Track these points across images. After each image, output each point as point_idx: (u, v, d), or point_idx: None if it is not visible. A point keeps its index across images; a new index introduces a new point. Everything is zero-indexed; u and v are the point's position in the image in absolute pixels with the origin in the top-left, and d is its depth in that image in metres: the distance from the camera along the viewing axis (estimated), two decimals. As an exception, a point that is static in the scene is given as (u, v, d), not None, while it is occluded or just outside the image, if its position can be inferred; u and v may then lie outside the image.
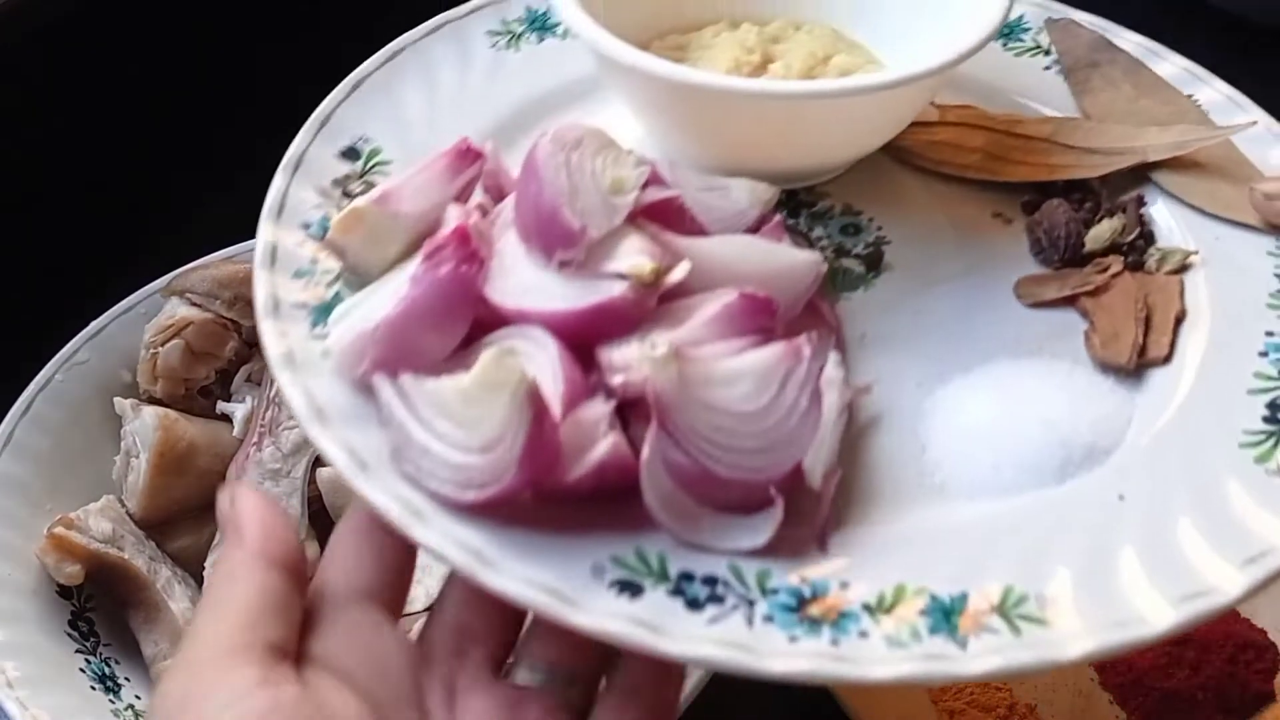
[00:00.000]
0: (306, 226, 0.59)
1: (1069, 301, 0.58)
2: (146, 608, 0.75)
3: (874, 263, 0.60)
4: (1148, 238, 0.60)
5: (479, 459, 0.45)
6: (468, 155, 0.56)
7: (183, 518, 0.80)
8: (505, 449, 0.45)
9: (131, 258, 0.56)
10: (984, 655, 0.42)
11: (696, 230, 0.55)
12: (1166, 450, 0.50)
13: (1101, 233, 0.59)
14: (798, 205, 0.63)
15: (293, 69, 0.65)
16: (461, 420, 0.46)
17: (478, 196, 0.56)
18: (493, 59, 0.69)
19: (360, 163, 0.62)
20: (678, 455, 0.45)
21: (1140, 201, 0.62)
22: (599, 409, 0.46)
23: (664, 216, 0.54)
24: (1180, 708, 0.69)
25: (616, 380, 0.47)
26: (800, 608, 0.44)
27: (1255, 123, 0.63)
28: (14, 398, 0.71)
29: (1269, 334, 0.55)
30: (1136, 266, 0.59)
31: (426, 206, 0.54)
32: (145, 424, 0.77)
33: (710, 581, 0.45)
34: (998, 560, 0.46)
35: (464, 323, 0.49)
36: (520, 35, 0.71)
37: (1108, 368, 0.55)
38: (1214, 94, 0.66)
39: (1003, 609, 0.44)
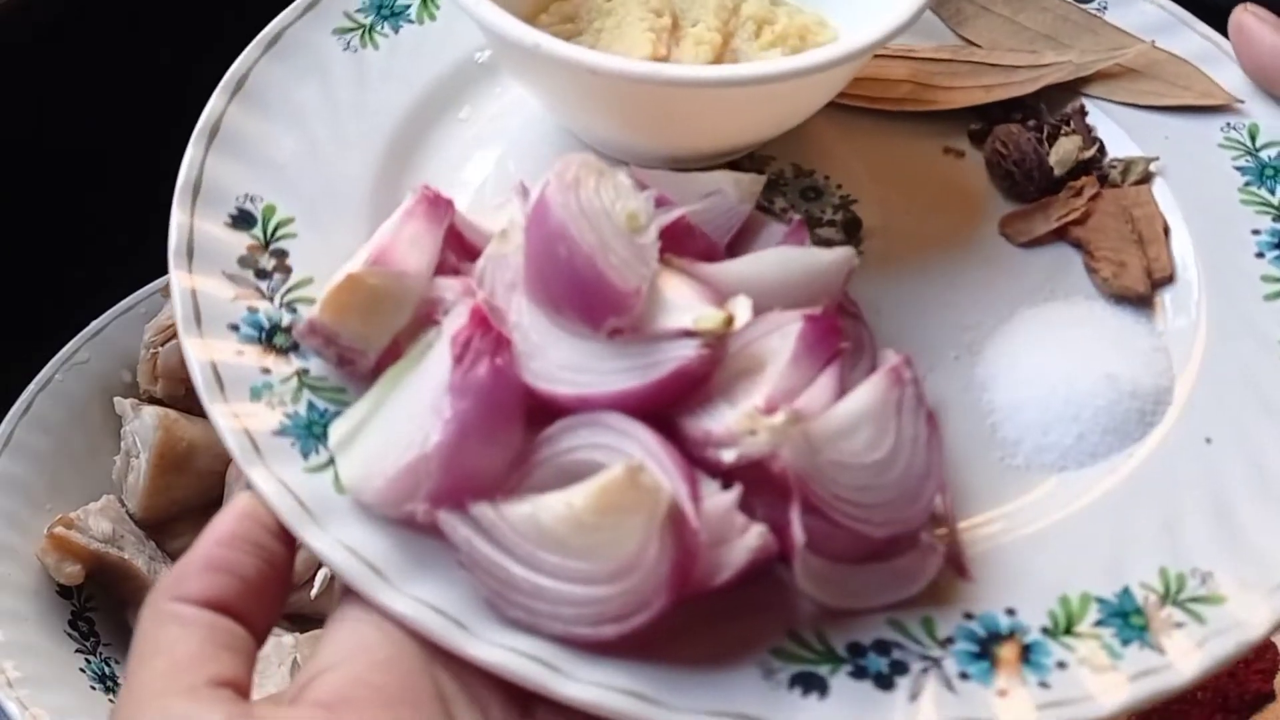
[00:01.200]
0: (235, 329, 0.48)
1: (1057, 234, 0.56)
2: (146, 608, 0.74)
3: (853, 229, 0.56)
4: (1101, 148, 0.59)
5: (611, 589, 0.39)
6: (437, 201, 0.47)
7: (183, 518, 0.79)
8: (646, 572, 0.39)
9: (132, 258, 0.51)
10: (1187, 655, 0.41)
11: (708, 247, 0.49)
12: (1222, 377, 0.50)
13: (1067, 154, 0.58)
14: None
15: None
16: (577, 550, 0.39)
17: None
18: (352, 64, 0.59)
19: (259, 228, 0.52)
20: (827, 528, 0.41)
21: (1082, 111, 0.60)
22: (725, 499, 0.40)
23: (678, 242, 0.47)
24: (1180, 708, 0.70)
25: (728, 456, 0.41)
26: (985, 653, 0.41)
27: (1152, 43, 0.62)
28: (14, 398, 0.72)
29: (1255, 232, 0.55)
30: (1103, 181, 0.58)
31: (425, 261, 0.46)
32: (145, 424, 0.75)
33: (883, 648, 0.41)
34: (1133, 540, 0.45)
35: (519, 425, 0.42)
36: (371, 28, 0.60)
37: (1122, 299, 0.54)
38: (1103, -20, 0.65)
39: (1174, 598, 0.43)
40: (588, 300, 0.42)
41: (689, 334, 0.42)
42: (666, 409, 0.43)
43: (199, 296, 0.48)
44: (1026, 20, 0.64)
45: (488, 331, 0.42)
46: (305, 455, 0.44)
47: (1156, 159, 0.58)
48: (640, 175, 0.49)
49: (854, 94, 0.61)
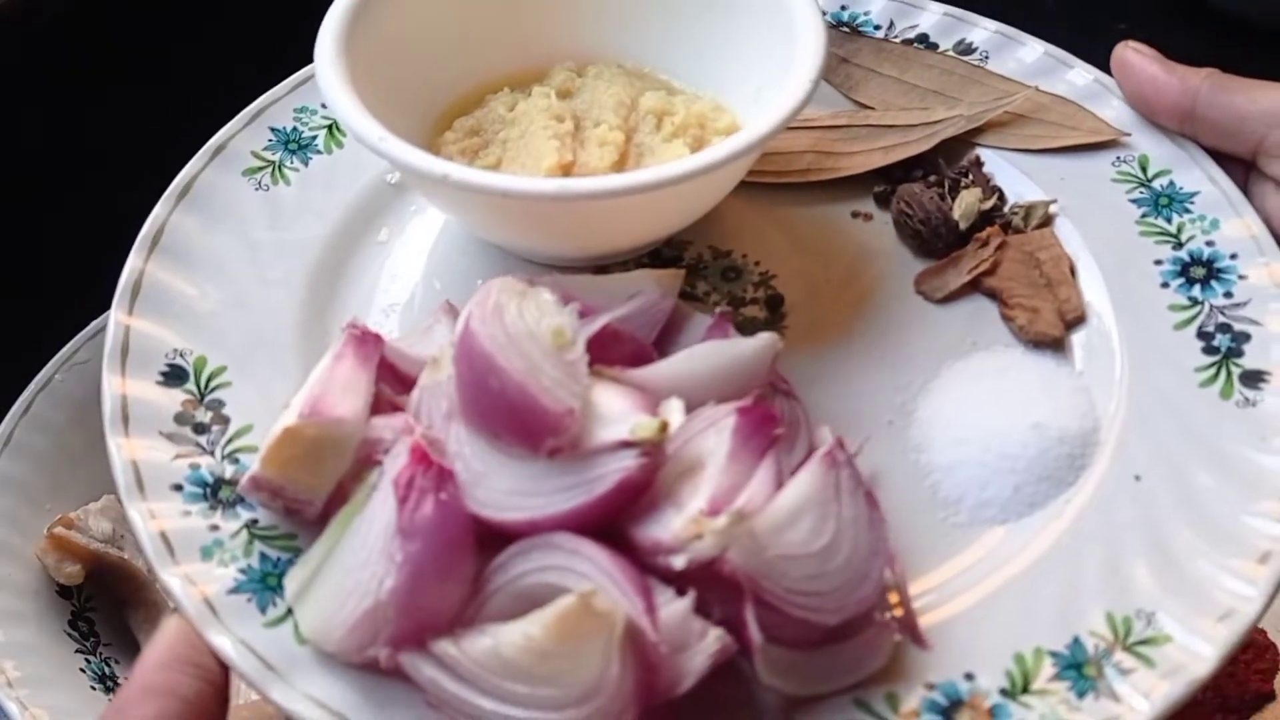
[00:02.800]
0: (179, 489, 0.48)
1: (971, 286, 0.58)
2: (146, 607, 0.74)
3: (775, 305, 0.58)
4: (1001, 196, 0.61)
5: (580, 712, 0.40)
6: (366, 339, 0.48)
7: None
8: (612, 692, 0.39)
9: None
10: (1142, 700, 0.42)
11: (636, 349, 0.50)
12: (1144, 411, 0.52)
13: (969, 207, 0.59)
14: (666, 263, 0.59)
15: (300, 57, 0.60)
16: (542, 678, 0.40)
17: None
18: (265, 203, 0.60)
19: (192, 383, 0.52)
20: (781, 622, 0.41)
21: (979, 162, 0.62)
22: (680, 607, 0.41)
23: (606, 349, 0.48)
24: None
25: (678, 563, 0.42)
26: (951, 721, 0.42)
27: (1035, 88, 0.64)
28: (14, 398, 0.72)
29: (1158, 262, 0.57)
30: (1006, 228, 0.60)
31: (361, 405, 0.46)
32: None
33: (853, 733, 0.42)
34: (1079, 587, 0.46)
35: (471, 556, 0.43)
36: (280, 164, 0.61)
37: (1040, 344, 0.55)
38: (982, 32, 0.68)
39: (1124, 642, 0.44)
40: (525, 426, 0.43)
41: (627, 444, 0.43)
42: (613, 518, 0.44)
43: (140, 465, 0.48)
44: (914, 78, 0.66)
45: (429, 468, 0.43)
46: (263, 609, 0.45)
47: (1054, 201, 0.60)
48: (563, 286, 0.51)
49: (760, 170, 0.63)
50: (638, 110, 0.60)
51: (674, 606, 0.41)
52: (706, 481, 0.44)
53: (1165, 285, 0.56)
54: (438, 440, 0.45)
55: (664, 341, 0.53)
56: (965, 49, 0.67)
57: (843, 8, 0.70)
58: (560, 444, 0.43)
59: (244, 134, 0.62)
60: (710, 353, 0.49)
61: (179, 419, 0.51)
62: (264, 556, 0.46)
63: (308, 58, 0.57)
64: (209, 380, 0.52)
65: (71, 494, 0.75)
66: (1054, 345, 0.55)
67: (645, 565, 0.43)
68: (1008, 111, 0.63)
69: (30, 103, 0.78)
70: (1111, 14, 0.68)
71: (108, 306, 0.69)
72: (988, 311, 0.57)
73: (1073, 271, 0.58)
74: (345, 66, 0.55)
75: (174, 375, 0.52)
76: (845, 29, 0.69)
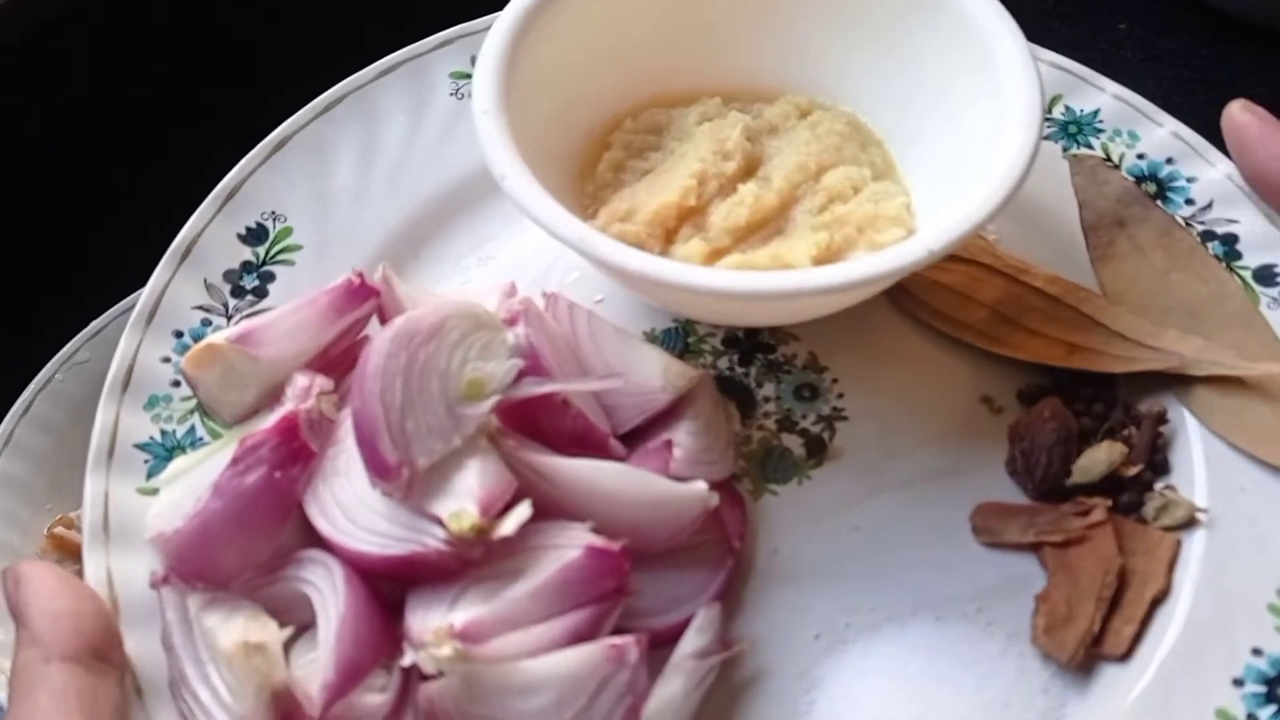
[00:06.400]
0: (179, 335, 0.53)
1: (1032, 546, 0.48)
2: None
3: (818, 448, 0.51)
4: (1158, 467, 0.49)
5: (236, 729, 0.40)
6: (358, 293, 0.48)
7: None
8: (258, 733, 0.40)
9: (132, 257, 0.56)
10: None
11: (581, 426, 0.47)
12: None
13: (1096, 463, 0.48)
14: (755, 348, 0.54)
15: (305, 59, 0.63)
16: (225, 681, 0.41)
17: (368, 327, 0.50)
18: (452, 110, 0.60)
19: (265, 247, 0.56)
20: (450, 774, 0.39)
21: (1159, 419, 0.50)
22: (376, 700, 0.40)
23: (538, 414, 0.46)
24: None
25: (404, 660, 0.40)
26: None
27: None
28: (14, 398, 0.71)
29: (1256, 652, 0.44)
30: (1131, 508, 0.48)
31: (294, 352, 0.47)
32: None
33: None
34: None
35: (276, 531, 0.44)
36: (489, 79, 0.61)
37: (1047, 657, 0.45)
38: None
39: None
40: (364, 455, 0.43)
41: (440, 523, 0.41)
42: (408, 581, 0.43)
43: (168, 294, 0.53)
44: (1177, 283, 0.53)
45: (288, 442, 0.44)
46: (149, 476, 0.49)
47: (1205, 511, 0.47)
48: (593, 330, 0.49)
49: (925, 301, 0.55)
50: (817, 182, 0.54)
51: (372, 694, 0.40)
52: (493, 601, 0.41)
53: (1239, 684, 0.43)
54: (324, 419, 0.45)
55: (650, 431, 0.49)
56: (1267, 276, 0.53)
57: (1169, 160, 0.57)
58: (388, 490, 0.42)
59: (480, 36, 0.62)
60: (620, 477, 0.45)
61: (227, 275, 0.54)
62: (192, 430, 0.50)
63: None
64: (277, 252, 0.55)
65: (71, 494, 0.68)
66: (1065, 665, 0.45)
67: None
68: (1240, 376, 0.50)
69: (31, 102, 0.77)
70: (1112, 14, 0.56)
71: (109, 306, 0.70)
72: (1028, 584, 0.47)
73: (1157, 602, 0.46)
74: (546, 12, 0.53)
75: (256, 234, 0.56)
76: (1151, 187, 0.56)
